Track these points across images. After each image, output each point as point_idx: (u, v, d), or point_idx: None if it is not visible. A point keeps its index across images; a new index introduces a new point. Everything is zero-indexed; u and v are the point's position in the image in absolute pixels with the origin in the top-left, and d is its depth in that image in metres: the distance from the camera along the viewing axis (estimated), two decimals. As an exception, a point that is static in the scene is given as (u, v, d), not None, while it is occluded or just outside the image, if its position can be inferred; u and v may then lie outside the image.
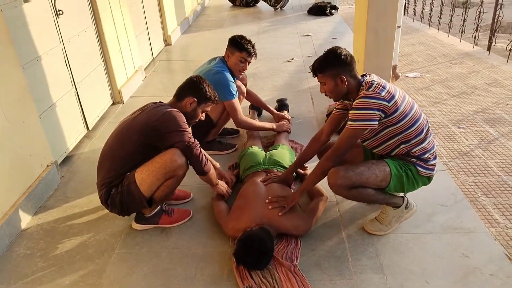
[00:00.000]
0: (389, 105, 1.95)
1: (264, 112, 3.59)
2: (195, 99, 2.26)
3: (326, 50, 2.08)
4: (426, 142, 2.10)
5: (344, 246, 2.17)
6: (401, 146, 2.08)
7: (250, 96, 3.38)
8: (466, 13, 5.77)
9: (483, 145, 3.18)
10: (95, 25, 3.78)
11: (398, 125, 2.01)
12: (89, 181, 2.86)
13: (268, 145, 3.12)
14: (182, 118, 2.17)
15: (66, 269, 2.13)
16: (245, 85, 3.30)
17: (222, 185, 2.49)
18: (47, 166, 2.75)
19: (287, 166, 2.61)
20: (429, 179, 2.16)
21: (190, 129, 2.23)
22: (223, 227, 2.30)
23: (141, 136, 2.14)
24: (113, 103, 4.12)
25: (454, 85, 4.44)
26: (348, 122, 1.99)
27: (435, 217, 2.34)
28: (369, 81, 2.01)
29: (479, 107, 3.86)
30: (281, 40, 6.38)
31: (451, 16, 6.12)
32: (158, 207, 2.36)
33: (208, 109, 2.35)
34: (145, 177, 2.13)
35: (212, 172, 2.34)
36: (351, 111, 1.98)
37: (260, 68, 5.01)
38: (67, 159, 3.14)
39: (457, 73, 4.80)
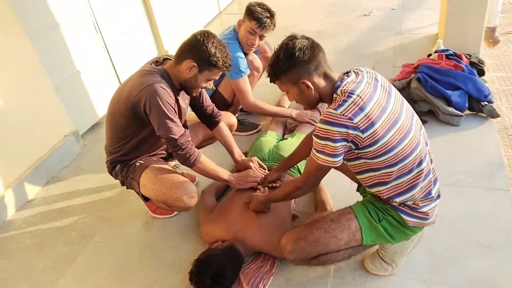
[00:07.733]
0: (363, 136, 1.35)
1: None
2: (195, 64, 1.79)
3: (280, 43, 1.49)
4: (417, 188, 1.47)
5: (326, 281, 1.76)
6: (381, 189, 1.48)
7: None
8: None
9: None
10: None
11: (374, 161, 1.41)
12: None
13: (294, 129, 2.67)
14: (164, 100, 1.76)
15: (46, 251, 2.15)
16: (266, 58, 2.68)
17: (241, 178, 2.06)
18: (64, 136, 2.77)
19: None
20: (420, 228, 1.59)
21: (175, 116, 1.83)
22: (200, 226, 2.07)
23: (128, 112, 1.84)
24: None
25: None
26: (312, 151, 1.45)
27: (464, 261, 1.73)
28: (346, 91, 1.39)
29: None
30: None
31: None
32: None
33: (215, 77, 1.86)
34: (148, 187, 1.96)
35: (206, 164, 1.96)
36: (314, 138, 1.42)
37: (328, 24, 4.32)
38: (95, 126, 3.14)
39: None
